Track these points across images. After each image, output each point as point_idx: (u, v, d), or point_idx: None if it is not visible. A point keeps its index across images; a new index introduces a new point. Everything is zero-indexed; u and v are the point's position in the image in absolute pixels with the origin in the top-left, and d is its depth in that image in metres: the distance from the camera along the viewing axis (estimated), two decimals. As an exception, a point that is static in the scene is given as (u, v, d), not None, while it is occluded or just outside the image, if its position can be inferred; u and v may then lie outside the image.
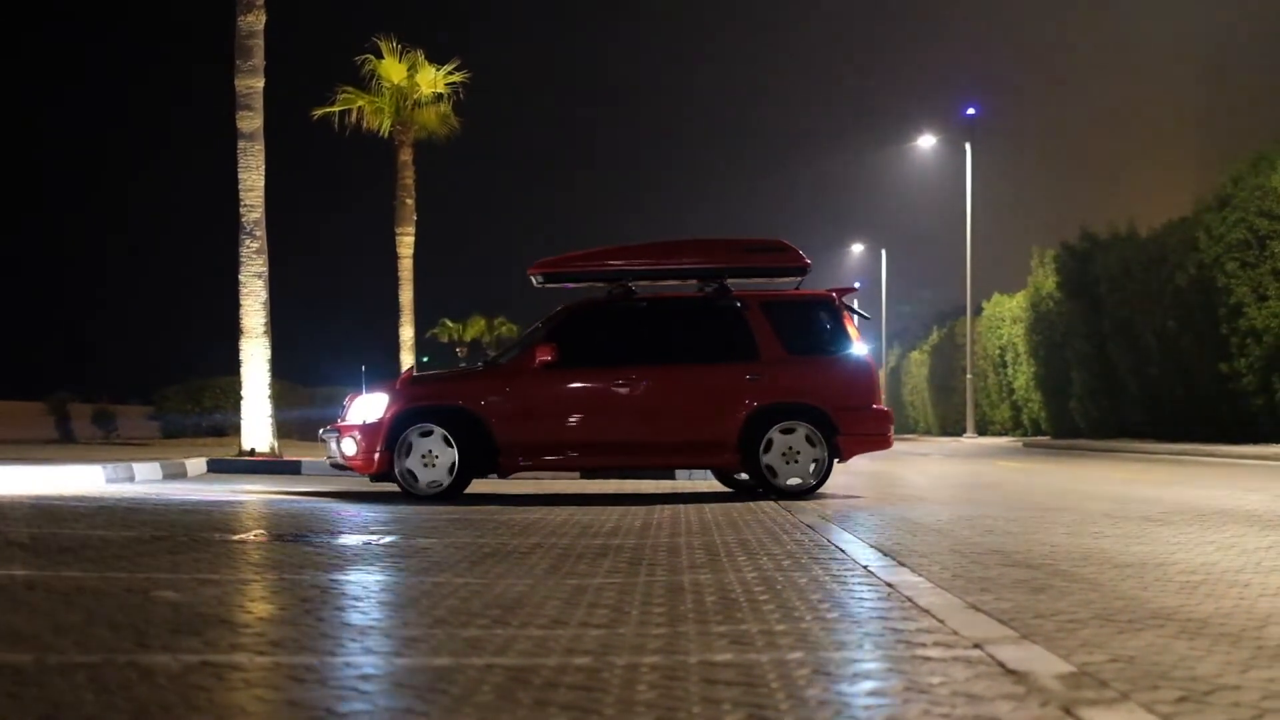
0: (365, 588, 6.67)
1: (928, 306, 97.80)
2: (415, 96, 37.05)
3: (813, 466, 14.69)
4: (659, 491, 15.80)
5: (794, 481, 14.63)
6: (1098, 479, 18.54)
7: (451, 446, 14.33)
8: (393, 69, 36.90)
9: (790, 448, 14.72)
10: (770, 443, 14.68)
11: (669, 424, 14.78)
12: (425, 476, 14.29)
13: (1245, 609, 5.90)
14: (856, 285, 16.57)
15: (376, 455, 14.32)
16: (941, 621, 5.46)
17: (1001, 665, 4.53)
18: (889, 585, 6.61)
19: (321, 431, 15.37)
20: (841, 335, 15.23)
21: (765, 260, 15.66)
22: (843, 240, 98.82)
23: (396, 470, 14.30)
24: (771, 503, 13.40)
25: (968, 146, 57.40)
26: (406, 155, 37.02)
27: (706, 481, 18.65)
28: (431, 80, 37.21)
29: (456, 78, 37.43)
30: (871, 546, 8.68)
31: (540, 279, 15.70)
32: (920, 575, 7.07)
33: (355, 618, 5.68)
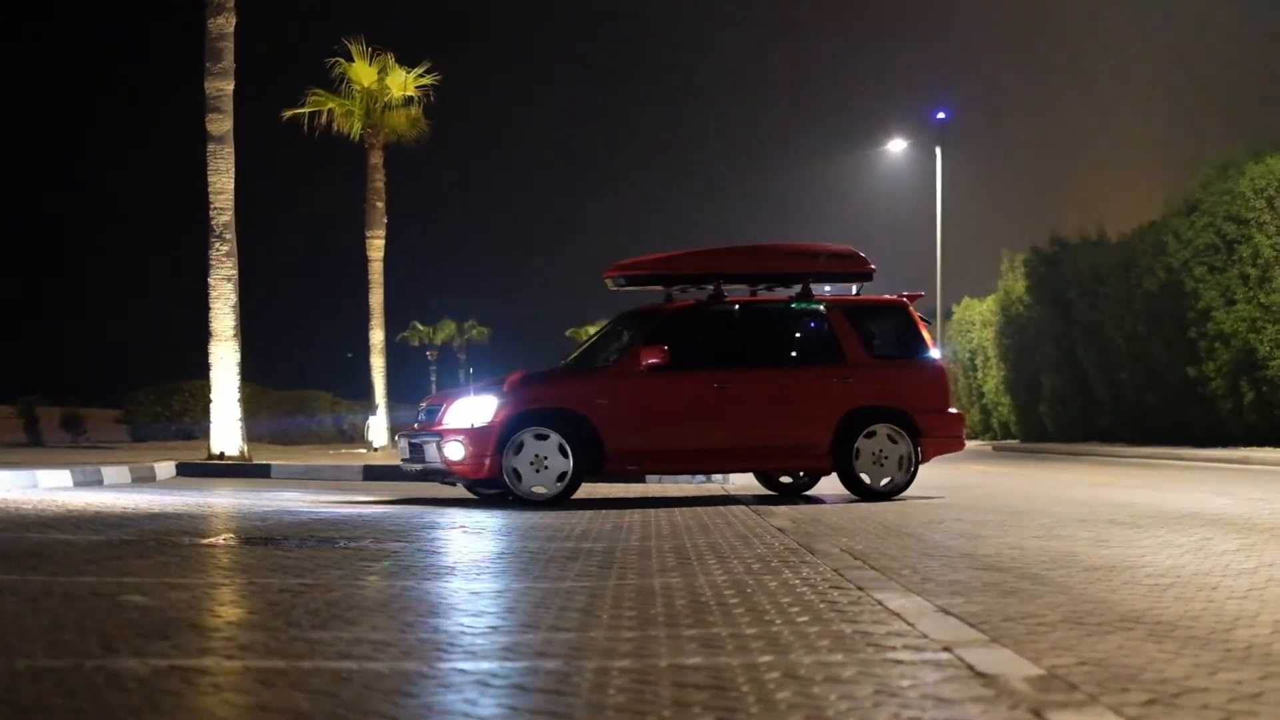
0: (335, 592, 6.65)
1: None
2: (385, 99, 37.01)
3: (899, 468, 15.00)
4: (629, 495, 15.80)
5: (884, 483, 14.91)
6: (1067, 482, 18.59)
7: (564, 451, 14.09)
8: (363, 72, 36.86)
9: (879, 450, 14.99)
10: (861, 446, 14.93)
11: (768, 427, 14.94)
12: (535, 481, 14.04)
13: (1213, 611, 5.92)
14: (922, 293, 16.75)
15: (487, 460, 13.96)
16: (911, 624, 5.47)
17: (971, 668, 4.54)
18: (859, 588, 6.62)
19: (398, 436, 15.19)
20: (917, 339, 15.64)
21: (837, 265, 15.92)
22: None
23: (505, 475, 14.02)
24: (743, 507, 13.41)
25: (938, 150, 57.49)
26: (377, 158, 36.99)
27: (676, 486, 18.67)
28: (402, 83, 37.18)
29: (427, 80, 37.41)
30: (842, 549, 8.70)
31: (621, 281, 15.78)
32: (890, 578, 7.08)
33: (324, 622, 5.66)
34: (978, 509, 12.93)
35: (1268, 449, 31.21)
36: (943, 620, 5.59)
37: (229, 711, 4.03)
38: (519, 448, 14.02)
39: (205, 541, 9.37)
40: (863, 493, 14.82)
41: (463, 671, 4.58)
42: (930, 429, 15.16)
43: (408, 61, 37.54)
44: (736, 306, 15.52)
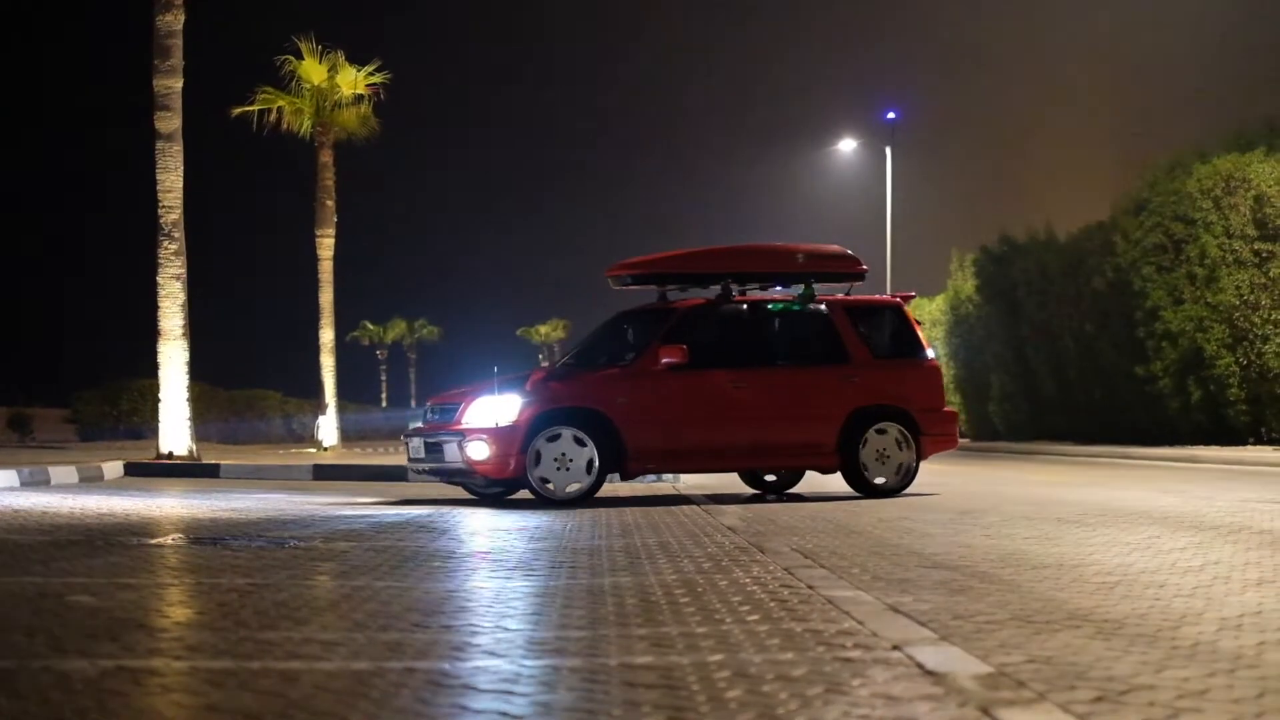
0: (284, 592, 6.62)
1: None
2: (336, 97, 36.90)
3: (901, 466, 15.23)
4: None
5: (887, 481, 15.12)
6: (1016, 481, 18.67)
7: (587, 449, 14.05)
8: (313, 70, 36.73)
9: (883, 449, 15.20)
10: (866, 443, 15.11)
11: (780, 426, 15.07)
12: (561, 480, 13.97)
13: (1161, 609, 5.96)
14: (913, 294, 17.05)
15: (512, 460, 13.86)
16: (861, 623, 5.48)
17: (920, 666, 4.55)
18: (809, 587, 6.63)
19: (406, 436, 15.13)
20: (914, 339, 15.90)
21: (833, 266, 16.18)
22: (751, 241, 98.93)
23: (529, 474, 13.94)
24: (694, 506, 13.42)
25: (888, 151, 57.65)
26: (327, 156, 36.87)
27: (628, 485, 18.65)
28: (352, 81, 37.07)
29: (378, 79, 37.31)
30: (792, 548, 8.71)
31: (627, 280, 15.92)
32: (840, 577, 7.10)
33: (274, 622, 5.64)
34: (928, 508, 12.97)
35: (1214, 448, 31.41)
36: (892, 618, 5.61)
37: (177, 712, 4.01)
38: (543, 447, 13.96)
39: (154, 541, 9.32)
40: (867, 490, 15.04)
41: (413, 671, 4.57)
42: (928, 427, 15.43)
43: (358, 60, 37.46)
44: (745, 306, 15.67)
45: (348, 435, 46.45)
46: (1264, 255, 32.26)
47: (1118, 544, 9.03)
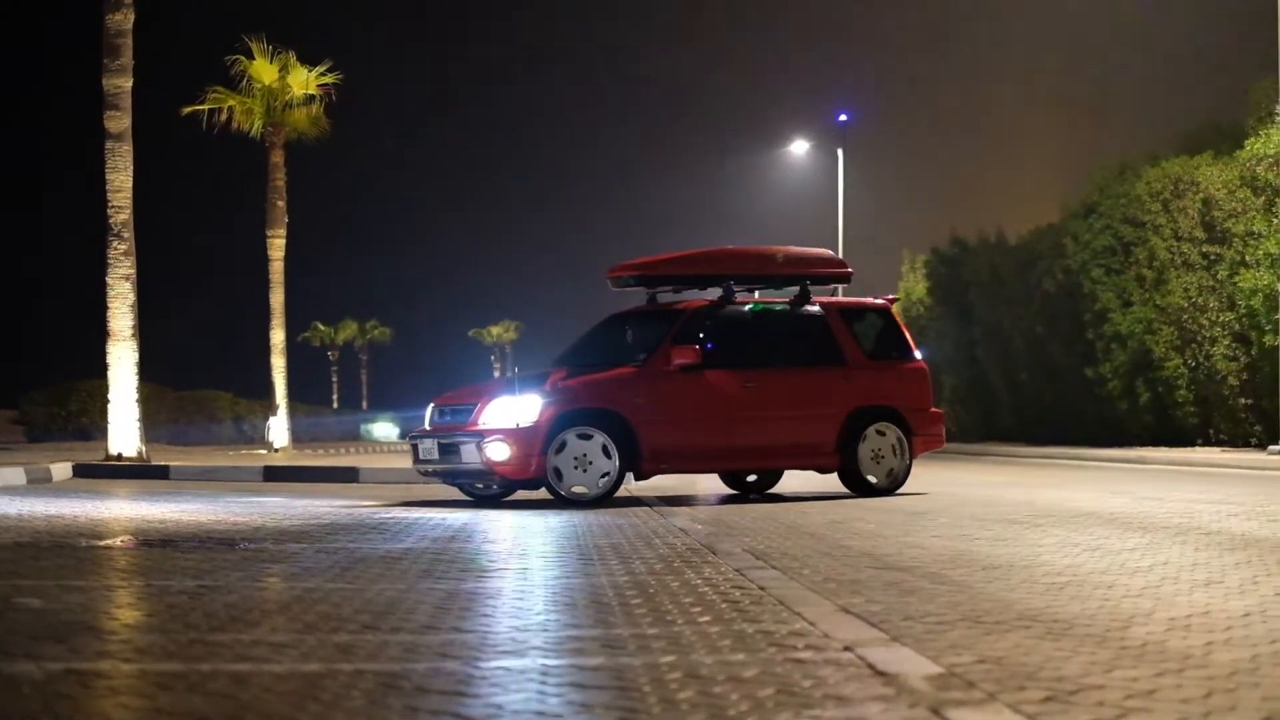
0: (234, 593, 6.59)
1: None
2: (287, 97, 36.76)
3: (894, 466, 15.45)
4: (531, 496, 15.76)
5: (880, 481, 15.33)
6: (967, 482, 18.73)
7: (607, 450, 14.04)
8: (264, 69, 36.59)
9: (878, 449, 15.42)
10: (863, 443, 15.32)
11: (785, 426, 15.21)
12: (579, 481, 13.97)
13: (1109, 610, 5.99)
14: (897, 297, 17.39)
15: (533, 460, 13.81)
16: (813, 624, 5.49)
17: (871, 667, 4.56)
18: (761, 588, 6.64)
19: (412, 437, 15.08)
20: (903, 340, 16.27)
21: (822, 268, 16.49)
22: (716, 244, 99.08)
23: (549, 475, 13.92)
24: (646, 508, 13.43)
25: (839, 152, 57.78)
26: (278, 157, 36.72)
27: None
28: (303, 81, 36.94)
29: (329, 79, 37.19)
30: (744, 549, 8.72)
31: (629, 280, 16.13)
32: (792, 578, 7.11)
33: (224, 624, 5.61)
34: (879, 509, 13.00)
35: (1163, 449, 31.63)
36: (844, 619, 5.62)
37: (126, 715, 3.99)
38: (562, 447, 13.93)
39: (102, 543, 9.27)
40: (864, 490, 15.25)
41: (363, 673, 4.55)
42: (919, 427, 15.70)
43: (309, 60, 37.34)
44: (747, 307, 15.84)
45: (299, 437, 46.26)
46: (1212, 258, 32.50)
47: (1068, 545, 9.08)
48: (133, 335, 23.37)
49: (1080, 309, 36.79)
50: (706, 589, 6.72)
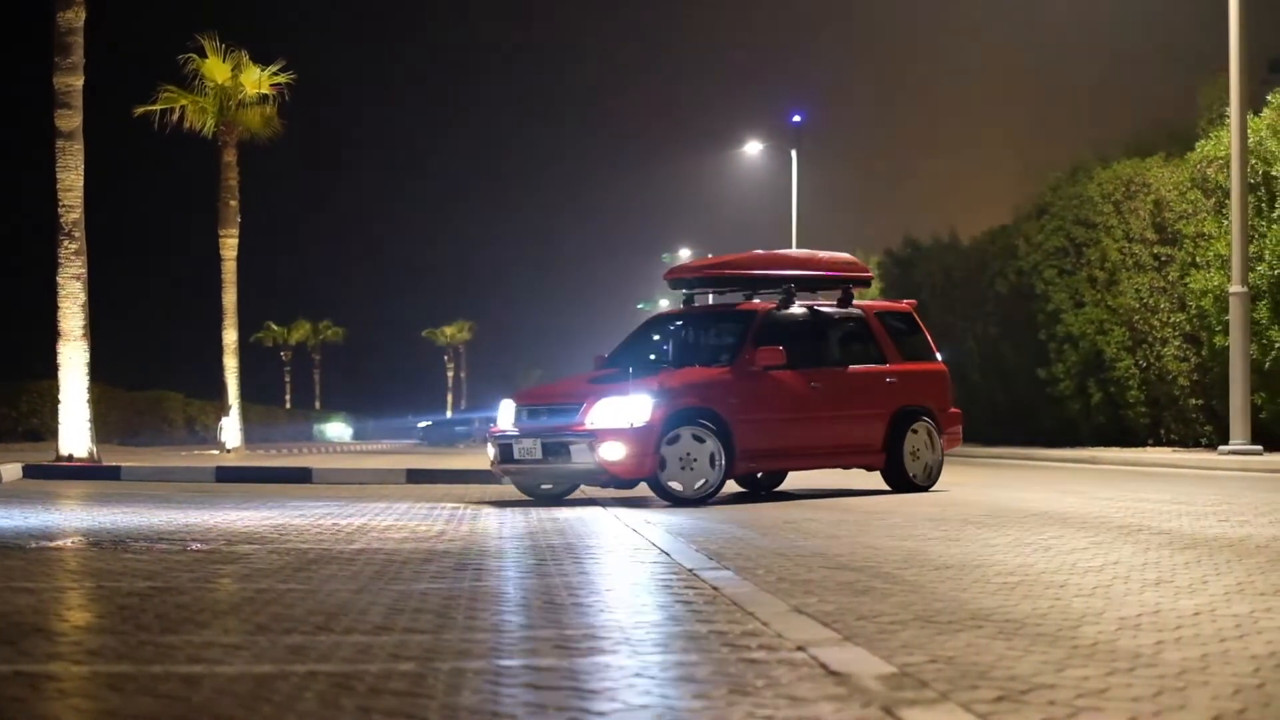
0: (186, 595, 6.56)
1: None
2: (239, 97, 36.65)
3: (930, 463, 16.21)
4: (485, 496, 15.76)
5: (920, 477, 16.06)
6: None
7: (710, 447, 14.24)
8: (216, 69, 36.48)
9: (915, 448, 16.06)
10: (906, 441, 15.99)
11: (845, 426, 15.76)
12: (687, 480, 14.17)
13: (1061, 609, 6.01)
14: (916, 301, 17.98)
15: (648, 460, 13.96)
16: (766, 624, 5.50)
17: (824, 667, 4.57)
18: (714, 588, 6.65)
19: (493, 436, 15.04)
20: (927, 342, 17.02)
21: (855, 272, 17.15)
22: (671, 246, 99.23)
23: (658, 475, 14.09)
24: (599, 508, 13.43)
25: (793, 153, 57.89)
26: (230, 156, 36.61)
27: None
28: (256, 81, 36.85)
29: (282, 79, 37.11)
30: (697, 550, 8.72)
31: (693, 282, 16.83)
32: (745, 578, 7.12)
33: (175, 625, 5.59)
34: (833, 509, 13.03)
35: (1115, 449, 31.77)
36: (797, 619, 5.63)
37: (76, 718, 3.97)
38: (671, 445, 14.12)
39: (53, 544, 9.21)
40: (906, 487, 15.82)
41: (316, 674, 4.54)
42: (947, 425, 16.45)
43: (263, 59, 37.23)
44: (801, 309, 16.24)
45: (251, 438, 46.08)
46: (1163, 259, 32.66)
47: (1020, 544, 9.11)
48: (84, 335, 23.25)
49: (1032, 310, 36.92)
50: (660, 589, 6.73)
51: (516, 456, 14.66)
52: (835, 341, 16.31)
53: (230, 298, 36.50)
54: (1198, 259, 29.63)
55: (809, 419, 15.39)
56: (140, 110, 35.58)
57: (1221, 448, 24.67)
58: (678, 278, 16.88)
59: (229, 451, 34.64)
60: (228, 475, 20.74)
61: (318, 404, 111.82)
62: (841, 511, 12.61)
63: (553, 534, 10.17)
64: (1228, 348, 24.72)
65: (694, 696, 4.18)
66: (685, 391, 14.48)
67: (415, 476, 20.13)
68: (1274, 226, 25.89)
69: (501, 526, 10.98)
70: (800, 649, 4.91)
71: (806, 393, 15.41)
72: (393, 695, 4.22)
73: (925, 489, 15.91)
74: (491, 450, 15.08)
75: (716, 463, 14.22)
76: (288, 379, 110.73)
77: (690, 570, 7.47)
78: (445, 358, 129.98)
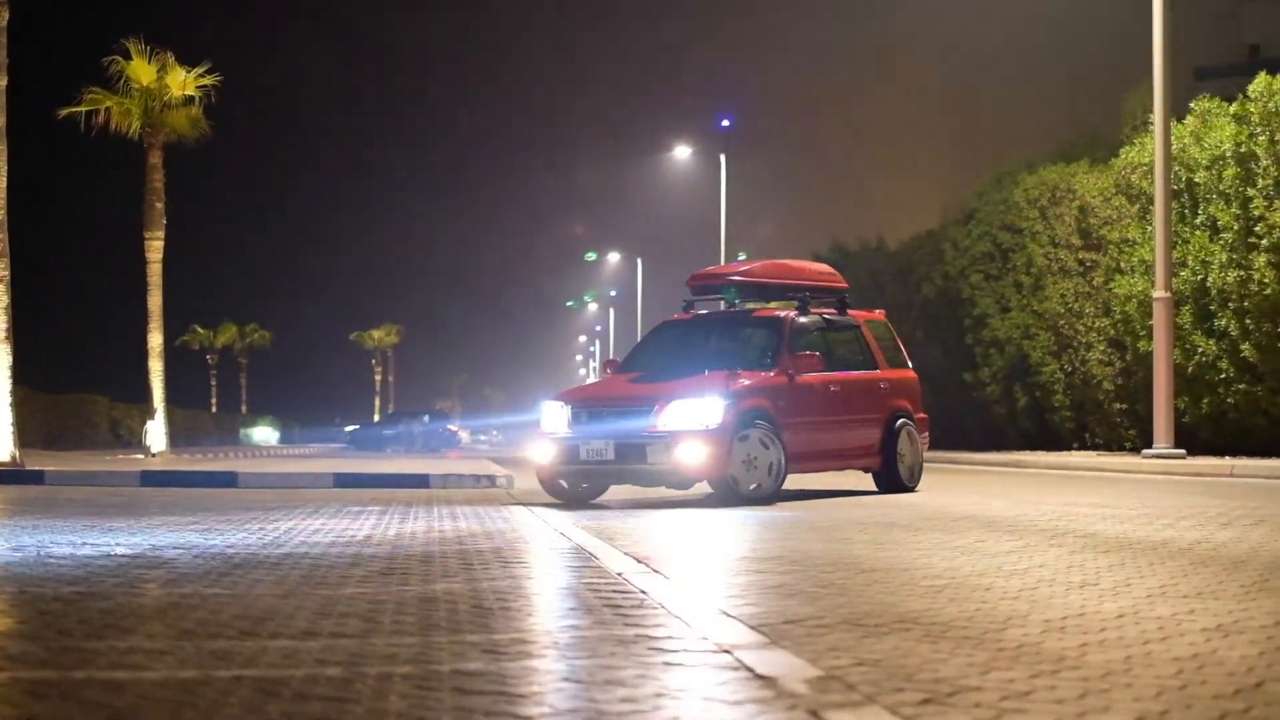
0: (111, 600, 6.50)
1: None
2: (165, 98, 36.41)
3: (913, 464, 17.04)
4: (414, 502, 15.70)
5: (908, 479, 16.82)
6: (847, 486, 18.86)
7: (772, 449, 14.64)
8: (142, 70, 36.24)
9: (903, 450, 16.83)
10: (896, 445, 16.69)
11: (855, 427, 16.41)
12: (748, 480, 14.57)
13: (987, 612, 6.05)
14: (883, 310, 18.69)
15: (722, 461, 14.35)
16: (693, 627, 5.50)
17: (750, 670, 4.58)
18: (642, 591, 6.65)
19: (554, 437, 15.17)
20: (900, 349, 17.82)
21: (833, 282, 17.91)
22: (599, 247, 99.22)
23: (728, 475, 14.45)
24: (528, 511, 13.41)
25: (722, 158, 58.00)
26: (156, 158, 36.37)
27: (461, 490, 18.60)
28: (181, 82, 36.62)
29: (208, 80, 36.91)
30: (625, 553, 8.72)
31: (715, 289, 17.32)
32: (672, 581, 7.12)
33: (99, 631, 5.54)
34: (762, 514, 13.06)
35: (1040, 452, 32.00)
36: (724, 622, 5.63)
37: (-3, 724, 3.93)
38: (737, 447, 14.48)
39: (-26, 550, 9.11)
40: (897, 488, 16.64)
41: (241, 679, 4.51)
42: (921, 429, 17.17)
43: (190, 61, 37.01)
44: (817, 317, 16.82)
45: (177, 442, 45.75)
46: (1088, 264, 32.95)
47: (946, 548, 9.16)
48: (6, 338, 23.04)
49: (959, 314, 37.15)
50: (588, 593, 6.72)
51: (584, 458, 14.90)
52: (839, 348, 16.85)
53: (156, 300, 36.24)
54: (1122, 264, 29.91)
55: (831, 423, 16.01)
56: (65, 112, 35.32)
57: (1145, 451, 24.91)
58: (699, 284, 17.41)
59: (154, 456, 34.40)
60: (153, 480, 20.59)
61: (244, 408, 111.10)
62: (769, 516, 12.64)
63: (481, 538, 10.15)
64: (1151, 352, 24.97)
65: (621, 700, 4.18)
66: (749, 394, 14.88)
67: (343, 481, 20.06)
68: (1197, 233, 26.17)
69: (429, 531, 10.95)
70: (726, 652, 4.92)
71: (829, 397, 15.98)
72: (319, 700, 4.20)
73: (912, 490, 16.64)
74: (547, 451, 15.24)
75: (776, 464, 14.64)
76: (214, 383, 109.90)
77: (618, 574, 7.47)
78: (373, 361, 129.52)
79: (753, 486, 14.52)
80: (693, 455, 14.25)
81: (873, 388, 16.78)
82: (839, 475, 18.79)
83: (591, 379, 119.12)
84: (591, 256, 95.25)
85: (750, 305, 17.69)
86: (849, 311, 17.51)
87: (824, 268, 18.51)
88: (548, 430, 15.30)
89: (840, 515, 12.53)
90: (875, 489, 16.85)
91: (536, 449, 15.45)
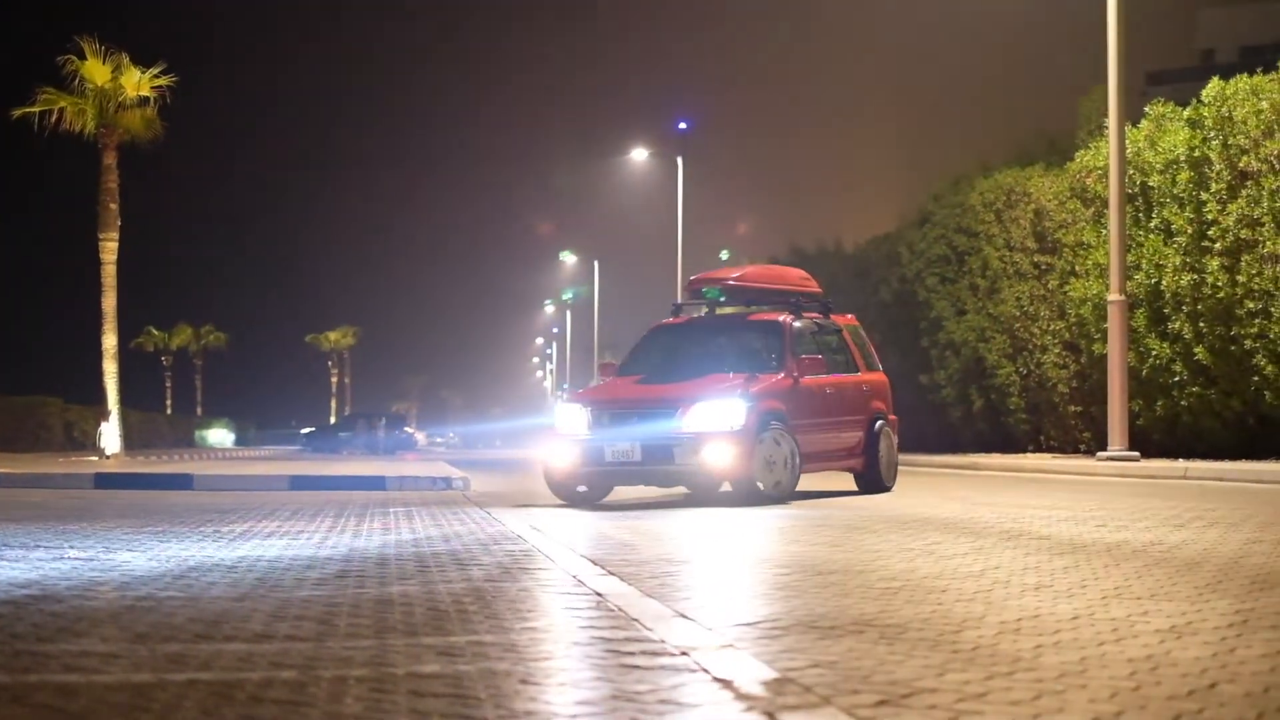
0: (63, 603, 6.46)
1: (641, 318, 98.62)
2: (120, 99, 36.21)
3: (891, 463, 17.59)
4: (370, 504, 15.66)
5: (888, 479, 17.37)
6: (803, 488, 18.90)
7: (787, 449, 14.98)
8: (96, 70, 36.03)
9: (882, 451, 17.27)
10: (878, 446, 17.14)
11: (844, 430, 16.84)
12: (768, 480, 14.85)
13: (942, 614, 6.06)
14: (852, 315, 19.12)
15: (745, 461, 14.57)
16: (649, 629, 5.50)
17: (707, 672, 4.58)
18: (598, 594, 6.65)
19: (575, 439, 15.26)
20: (872, 353, 18.27)
21: (809, 286, 18.35)
22: (555, 252, 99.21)
23: (749, 475, 14.67)
24: (483, 513, 13.38)
25: (679, 160, 58.04)
26: (110, 159, 36.16)
27: (418, 491, 18.56)
28: (136, 83, 36.42)
29: (163, 81, 36.71)
30: (581, 556, 8.72)
31: (715, 293, 17.46)
32: (629, 584, 7.12)
33: (52, 634, 5.51)
34: (719, 517, 13.08)
35: (995, 455, 32.10)
36: (680, 625, 5.63)
37: (-52, 728, 3.90)
38: (757, 448, 14.71)
39: (-74, 553, 9.05)
40: (877, 488, 16.97)
41: (196, 683, 4.49)
42: (894, 430, 17.60)
43: (145, 62, 36.83)
44: (809, 321, 17.17)
45: (132, 444, 45.52)
46: (1043, 267, 33.09)
47: (902, 550, 9.18)
48: (-41, 340, 22.89)
49: (915, 317, 37.26)
50: (544, 596, 6.72)
51: (609, 460, 15.00)
52: (828, 352, 17.05)
53: (110, 302, 36.03)
54: (1077, 268, 30.04)
55: (830, 424, 16.41)
56: (19, 112, 35.11)
57: (1100, 454, 25.02)
58: (697, 289, 17.57)
59: (109, 458, 34.20)
60: (107, 482, 20.49)
61: (199, 410, 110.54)
62: (727, 519, 12.65)
63: (438, 541, 10.12)
64: (1106, 355, 25.09)
65: (577, 703, 4.18)
66: (766, 396, 15.16)
67: (299, 483, 19.99)
68: (1151, 236, 26.30)
69: (386, 533, 10.92)
70: (684, 654, 4.92)
71: (826, 399, 16.35)
72: (274, 704, 4.18)
73: (889, 489, 17.14)
74: (567, 453, 15.29)
75: (791, 464, 15.00)
76: (169, 385, 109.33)
77: (575, 577, 7.47)
78: (329, 363, 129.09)
79: (772, 485, 14.81)
80: (719, 456, 14.53)
81: (857, 389, 17.23)
82: (822, 476, 18.83)
83: (548, 381, 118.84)
84: (568, 256, 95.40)
85: (731, 309, 18.00)
86: (831, 315, 17.87)
87: (802, 273, 18.94)
88: (565, 432, 15.35)
89: (795, 517, 12.55)
90: (855, 489, 17.24)
91: (553, 451, 15.42)
